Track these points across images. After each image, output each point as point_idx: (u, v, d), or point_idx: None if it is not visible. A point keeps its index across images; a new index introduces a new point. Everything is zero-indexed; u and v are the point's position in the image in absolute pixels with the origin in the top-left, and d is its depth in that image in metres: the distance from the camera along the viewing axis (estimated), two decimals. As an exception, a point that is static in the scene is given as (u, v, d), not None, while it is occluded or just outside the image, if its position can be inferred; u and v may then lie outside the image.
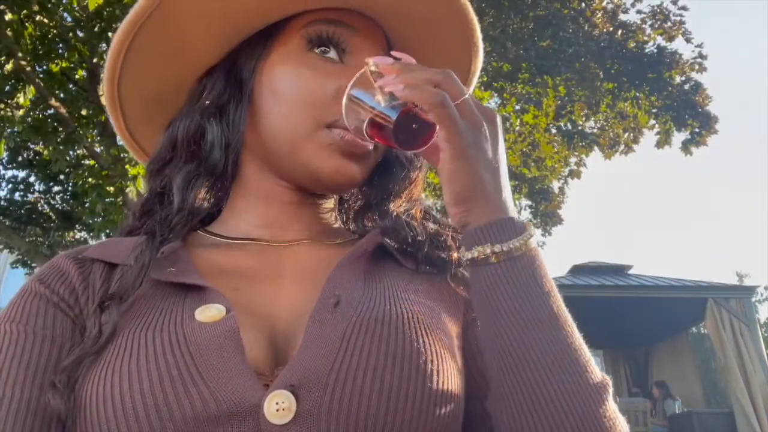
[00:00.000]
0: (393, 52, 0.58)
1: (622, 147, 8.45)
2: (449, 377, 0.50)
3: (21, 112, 5.44)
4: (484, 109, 0.54)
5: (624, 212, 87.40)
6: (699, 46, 7.79)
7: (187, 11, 0.62)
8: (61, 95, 5.73)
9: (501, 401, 0.50)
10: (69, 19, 5.35)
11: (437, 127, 0.52)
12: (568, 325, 0.50)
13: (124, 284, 0.54)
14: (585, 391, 0.47)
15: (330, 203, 0.70)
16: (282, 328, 0.53)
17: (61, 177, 6.83)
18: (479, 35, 0.70)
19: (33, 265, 6.58)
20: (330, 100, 0.60)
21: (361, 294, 0.55)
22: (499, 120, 0.55)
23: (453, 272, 0.62)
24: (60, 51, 5.57)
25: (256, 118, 0.63)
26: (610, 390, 0.49)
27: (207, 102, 0.64)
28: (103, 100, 0.69)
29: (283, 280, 0.59)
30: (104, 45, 5.21)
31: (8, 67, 5.01)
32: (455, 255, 0.63)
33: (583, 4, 7.13)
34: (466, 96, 0.53)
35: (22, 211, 7.13)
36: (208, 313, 0.51)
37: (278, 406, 0.44)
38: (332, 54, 0.63)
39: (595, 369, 0.49)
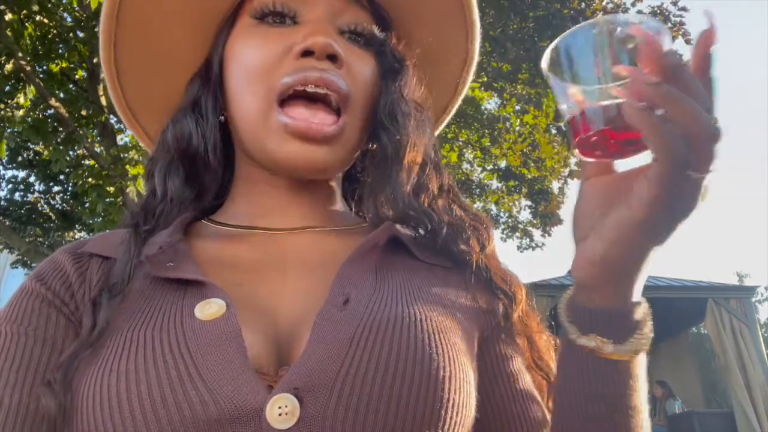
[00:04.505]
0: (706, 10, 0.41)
1: (622, 147, 8.45)
2: (462, 385, 0.48)
3: (21, 112, 5.42)
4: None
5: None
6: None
7: (152, 19, 0.65)
8: (61, 95, 5.74)
9: None
10: (69, 19, 5.35)
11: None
12: (645, 418, 0.49)
13: (113, 277, 0.54)
14: None
15: (331, 184, 0.67)
16: (285, 324, 0.51)
17: (61, 177, 6.84)
18: None
19: (33, 265, 6.57)
20: (279, 59, 0.59)
21: (372, 292, 0.52)
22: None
23: (473, 271, 0.58)
24: (60, 51, 5.57)
25: (230, 106, 0.64)
26: None
27: (188, 101, 0.67)
28: (104, 100, 0.72)
29: (287, 273, 0.57)
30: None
31: (8, 67, 5.01)
32: (476, 255, 0.59)
33: (583, 5, 7.12)
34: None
35: (22, 211, 7.13)
36: (208, 309, 0.49)
37: (281, 410, 0.42)
38: (285, 19, 0.62)
39: None
